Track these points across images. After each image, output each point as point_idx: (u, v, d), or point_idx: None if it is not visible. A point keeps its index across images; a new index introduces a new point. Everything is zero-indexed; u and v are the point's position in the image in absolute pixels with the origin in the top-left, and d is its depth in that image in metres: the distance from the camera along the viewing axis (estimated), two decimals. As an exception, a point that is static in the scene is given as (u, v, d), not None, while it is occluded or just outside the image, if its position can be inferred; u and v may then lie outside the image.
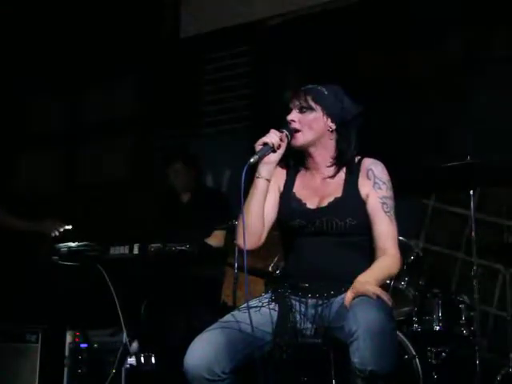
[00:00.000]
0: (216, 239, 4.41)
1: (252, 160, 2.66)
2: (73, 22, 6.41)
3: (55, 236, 4.48)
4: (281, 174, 2.89)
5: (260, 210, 2.76)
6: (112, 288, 3.36)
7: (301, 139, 2.77)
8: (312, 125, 2.77)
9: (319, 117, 2.77)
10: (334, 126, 2.78)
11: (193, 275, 4.20)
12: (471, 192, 3.79)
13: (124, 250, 3.37)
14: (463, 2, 4.92)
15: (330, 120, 2.78)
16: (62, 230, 4.52)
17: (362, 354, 2.35)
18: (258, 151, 2.70)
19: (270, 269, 3.93)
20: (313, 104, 2.76)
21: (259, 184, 2.75)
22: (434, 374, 3.67)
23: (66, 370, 4.25)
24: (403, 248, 3.69)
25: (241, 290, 4.45)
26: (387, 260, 2.70)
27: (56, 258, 3.45)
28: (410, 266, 3.80)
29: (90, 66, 6.38)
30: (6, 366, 4.34)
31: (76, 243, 3.45)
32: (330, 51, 5.32)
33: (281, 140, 2.73)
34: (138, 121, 6.28)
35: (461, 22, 4.95)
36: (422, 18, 5.03)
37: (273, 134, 2.72)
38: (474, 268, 3.70)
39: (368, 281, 2.57)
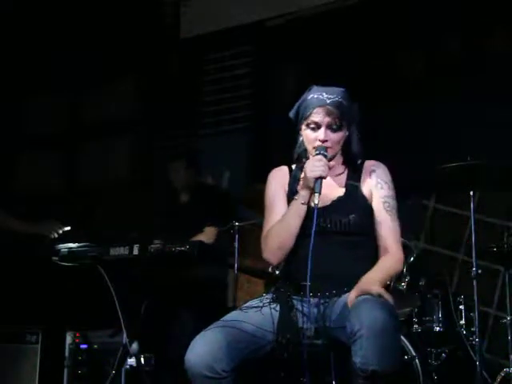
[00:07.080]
0: (207, 236, 4.40)
1: (317, 201, 2.64)
2: (73, 23, 6.41)
3: (54, 238, 4.47)
4: (284, 174, 2.91)
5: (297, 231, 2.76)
6: (112, 289, 3.35)
7: (329, 155, 2.77)
8: (340, 140, 2.80)
9: (345, 131, 2.80)
10: (347, 133, 2.81)
11: (192, 275, 4.20)
12: (471, 193, 3.79)
13: (124, 250, 3.36)
14: (463, 2, 4.92)
15: (346, 129, 2.80)
16: (61, 231, 4.52)
17: (364, 353, 2.33)
18: (317, 188, 2.67)
19: (270, 269, 3.94)
20: (343, 122, 2.76)
21: (303, 210, 2.73)
22: (433, 374, 3.67)
23: (65, 370, 4.25)
24: (403, 249, 3.73)
25: (241, 290, 4.47)
26: (390, 259, 2.72)
27: (56, 258, 3.44)
28: (410, 266, 3.81)
29: (91, 66, 6.37)
30: (6, 367, 4.34)
31: (76, 244, 3.45)
32: (330, 52, 5.32)
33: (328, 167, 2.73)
34: (138, 121, 6.28)
35: (461, 22, 4.95)
36: (422, 18, 5.03)
37: (324, 164, 2.69)
38: (474, 269, 3.70)
39: (372, 281, 2.57)
